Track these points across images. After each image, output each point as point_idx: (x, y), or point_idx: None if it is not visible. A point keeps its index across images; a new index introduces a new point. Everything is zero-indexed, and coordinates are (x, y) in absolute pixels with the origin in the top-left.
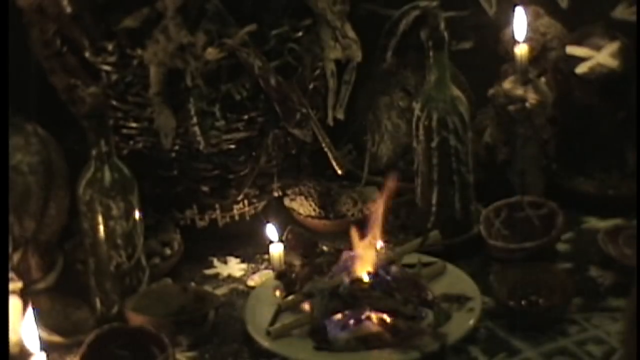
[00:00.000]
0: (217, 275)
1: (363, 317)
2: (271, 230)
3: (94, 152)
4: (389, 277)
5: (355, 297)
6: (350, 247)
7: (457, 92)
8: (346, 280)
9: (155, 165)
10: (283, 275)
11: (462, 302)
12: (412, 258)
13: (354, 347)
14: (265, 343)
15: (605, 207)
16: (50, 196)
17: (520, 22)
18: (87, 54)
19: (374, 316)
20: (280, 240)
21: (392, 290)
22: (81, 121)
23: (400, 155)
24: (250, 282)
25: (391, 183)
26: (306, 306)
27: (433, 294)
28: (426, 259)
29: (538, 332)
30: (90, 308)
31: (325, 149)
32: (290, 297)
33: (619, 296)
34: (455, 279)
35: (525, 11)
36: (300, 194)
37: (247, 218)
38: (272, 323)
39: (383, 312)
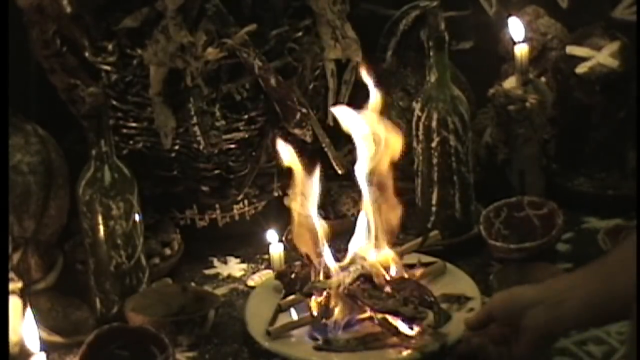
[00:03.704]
0: (217, 275)
1: (363, 317)
2: (272, 235)
3: (93, 152)
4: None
5: (356, 297)
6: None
7: (457, 92)
8: (346, 280)
9: (155, 165)
10: (283, 275)
11: (462, 302)
12: (412, 258)
13: (354, 347)
14: (265, 343)
15: (605, 207)
16: (50, 196)
17: (516, 29)
18: (87, 54)
19: (374, 316)
20: (280, 240)
21: (392, 290)
22: (81, 121)
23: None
24: (250, 282)
25: None
26: (307, 305)
27: (433, 294)
28: (426, 259)
29: None
30: (90, 308)
31: (326, 149)
32: (290, 297)
33: None
34: (455, 279)
35: (526, 12)
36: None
37: (247, 218)
38: (272, 323)
39: (383, 312)
